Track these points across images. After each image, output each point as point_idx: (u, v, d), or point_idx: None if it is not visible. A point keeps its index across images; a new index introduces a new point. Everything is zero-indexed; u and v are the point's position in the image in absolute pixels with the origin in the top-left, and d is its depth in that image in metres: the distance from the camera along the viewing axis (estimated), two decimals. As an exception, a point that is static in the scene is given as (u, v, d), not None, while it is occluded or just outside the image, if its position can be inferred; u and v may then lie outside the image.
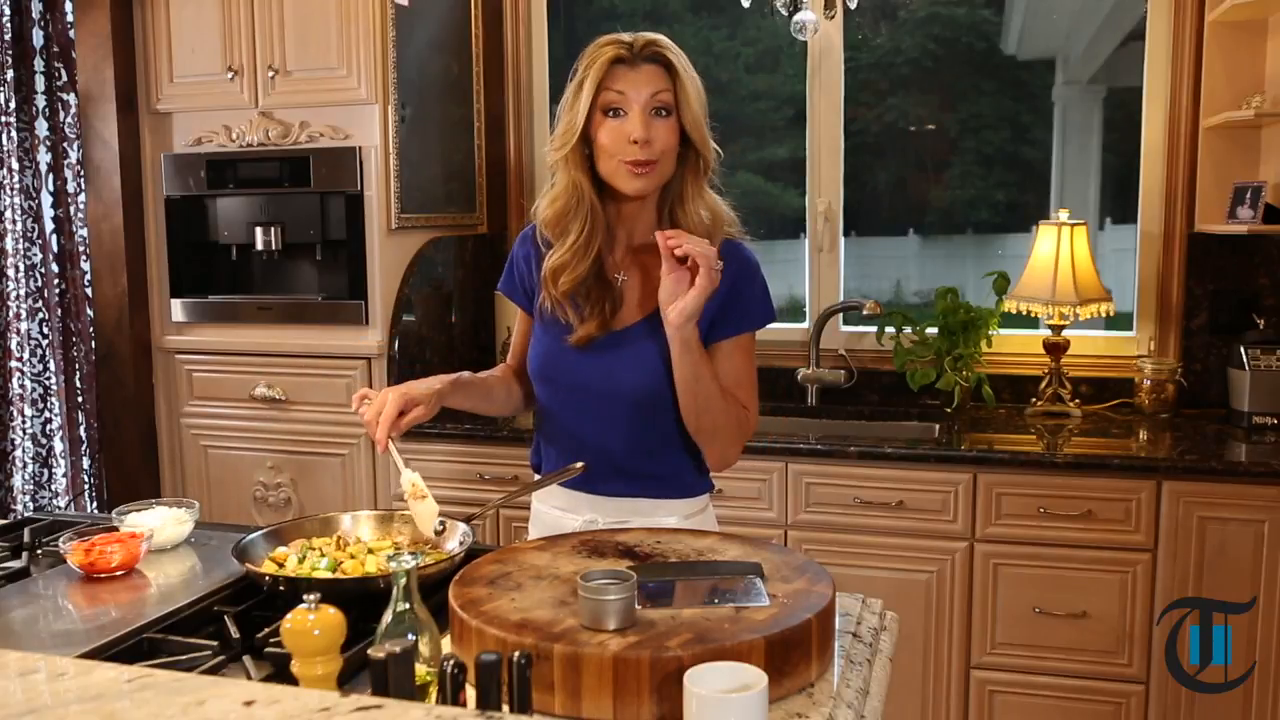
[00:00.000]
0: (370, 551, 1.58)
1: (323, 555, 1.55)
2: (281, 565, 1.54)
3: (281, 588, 1.45)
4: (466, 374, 1.77)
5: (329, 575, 1.48)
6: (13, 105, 3.25)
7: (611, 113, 1.61)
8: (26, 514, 2.35)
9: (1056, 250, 2.93)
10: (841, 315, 3.31)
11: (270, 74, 2.99)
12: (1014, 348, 3.17)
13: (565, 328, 1.69)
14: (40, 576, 1.64)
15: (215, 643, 1.36)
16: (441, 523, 1.65)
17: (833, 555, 2.63)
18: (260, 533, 1.63)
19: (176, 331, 3.23)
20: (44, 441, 3.40)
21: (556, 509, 1.76)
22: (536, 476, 1.80)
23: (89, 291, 3.34)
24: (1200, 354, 3.01)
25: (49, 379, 3.38)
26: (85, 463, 3.44)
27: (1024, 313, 3.00)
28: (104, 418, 3.33)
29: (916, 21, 3.28)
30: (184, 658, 1.32)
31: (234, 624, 1.39)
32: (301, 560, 1.54)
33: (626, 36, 1.64)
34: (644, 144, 1.59)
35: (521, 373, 1.82)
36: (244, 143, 3.06)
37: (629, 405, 1.66)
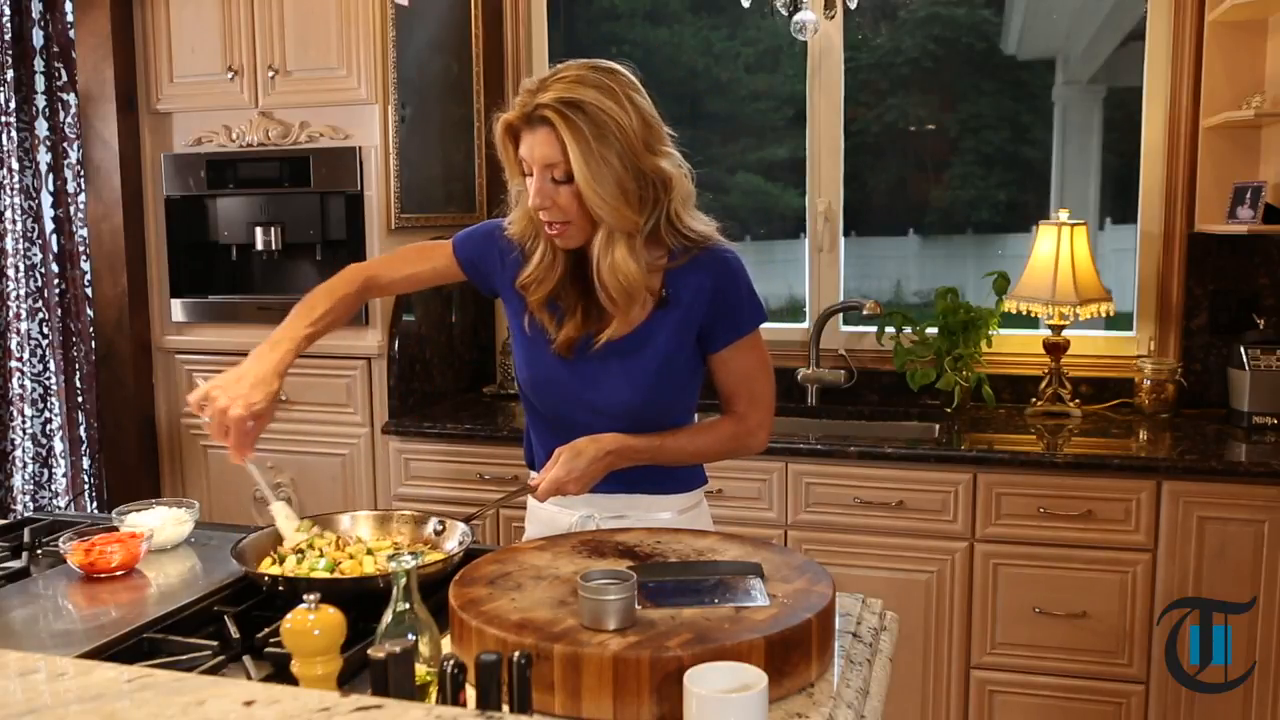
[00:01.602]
0: (370, 552, 1.58)
1: (321, 555, 1.55)
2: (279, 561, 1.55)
3: (281, 588, 1.45)
4: (307, 332, 1.67)
5: (327, 575, 1.48)
6: (13, 105, 3.25)
7: (526, 171, 1.58)
8: (26, 514, 2.35)
9: (1056, 250, 2.93)
10: (841, 315, 3.31)
11: (270, 74, 2.99)
12: (1014, 348, 3.17)
13: (540, 337, 1.68)
14: (40, 576, 1.64)
15: (215, 643, 1.36)
16: (441, 523, 1.66)
17: (833, 555, 2.63)
18: (259, 533, 1.63)
19: (176, 331, 3.23)
20: (44, 441, 3.39)
21: (552, 505, 1.76)
22: (531, 473, 1.80)
23: (89, 291, 3.34)
24: (1200, 354, 3.01)
25: (49, 379, 3.38)
26: (85, 463, 3.44)
27: (1024, 313, 3.00)
28: (104, 418, 3.33)
29: (916, 21, 3.28)
30: (184, 658, 1.32)
31: (234, 624, 1.39)
32: (300, 560, 1.54)
33: (533, 85, 1.54)
34: (541, 209, 1.55)
35: (379, 280, 1.79)
36: (244, 143, 3.06)
37: (620, 418, 1.67)
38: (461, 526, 1.63)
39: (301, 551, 1.57)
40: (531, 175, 1.55)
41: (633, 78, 1.57)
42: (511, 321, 1.76)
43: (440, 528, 1.66)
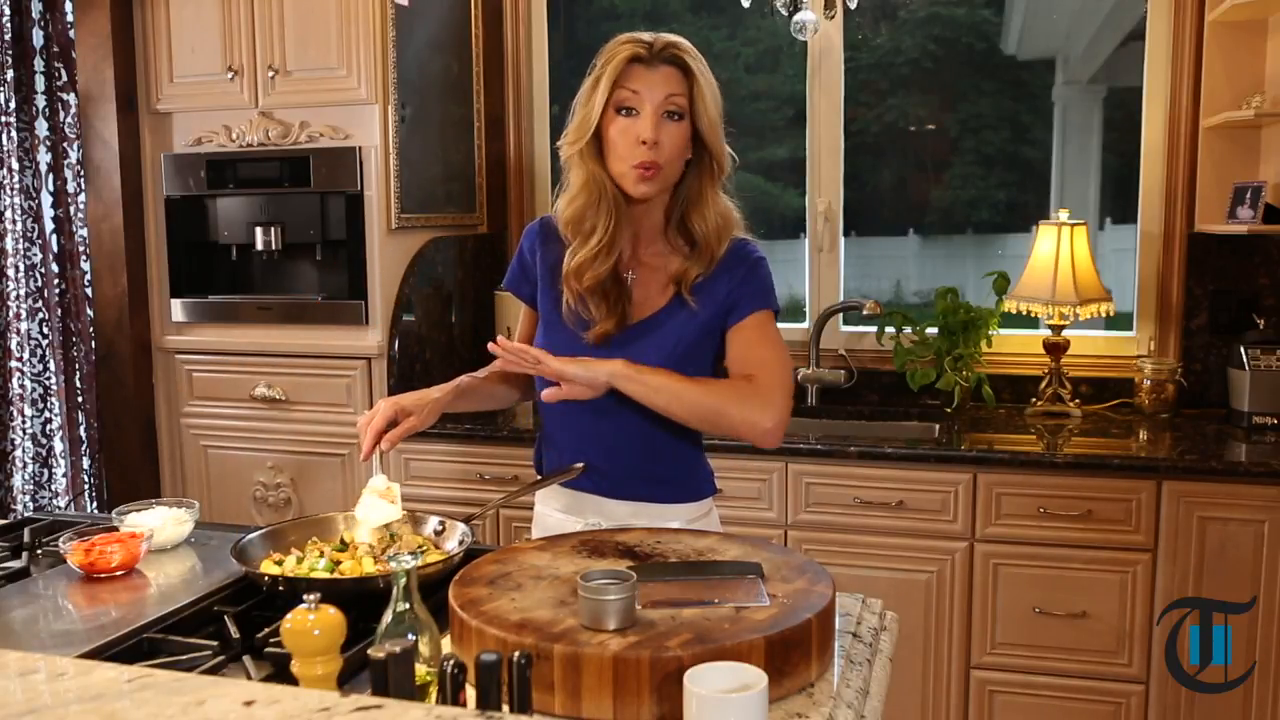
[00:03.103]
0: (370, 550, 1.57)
1: (320, 555, 1.55)
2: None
3: (281, 588, 1.45)
4: (467, 379, 1.79)
5: (327, 575, 1.48)
6: (13, 105, 3.25)
7: (624, 111, 1.62)
8: (26, 514, 2.34)
9: (1056, 250, 2.93)
10: (841, 315, 3.31)
11: (270, 74, 2.99)
12: (1014, 348, 3.17)
13: (578, 325, 1.69)
14: (40, 576, 1.64)
15: (215, 643, 1.36)
16: (441, 522, 1.66)
17: (833, 555, 2.63)
18: (259, 533, 1.63)
19: (176, 331, 3.23)
20: (44, 441, 3.39)
21: (558, 512, 1.76)
22: (538, 477, 1.80)
23: (89, 291, 3.34)
24: (1200, 354, 3.01)
25: (49, 379, 3.38)
26: (85, 463, 3.44)
27: (1024, 313, 3.00)
28: (104, 418, 3.33)
29: (916, 21, 3.28)
30: (184, 658, 1.32)
31: (234, 624, 1.39)
32: (300, 561, 1.54)
33: (646, 36, 1.64)
34: (652, 145, 1.59)
35: None
36: (244, 143, 3.06)
37: (632, 403, 1.66)
38: (461, 526, 1.63)
39: (380, 546, 1.57)
40: (631, 114, 1.61)
41: None
42: (543, 305, 1.75)
43: (440, 528, 1.66)
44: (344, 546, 1.60)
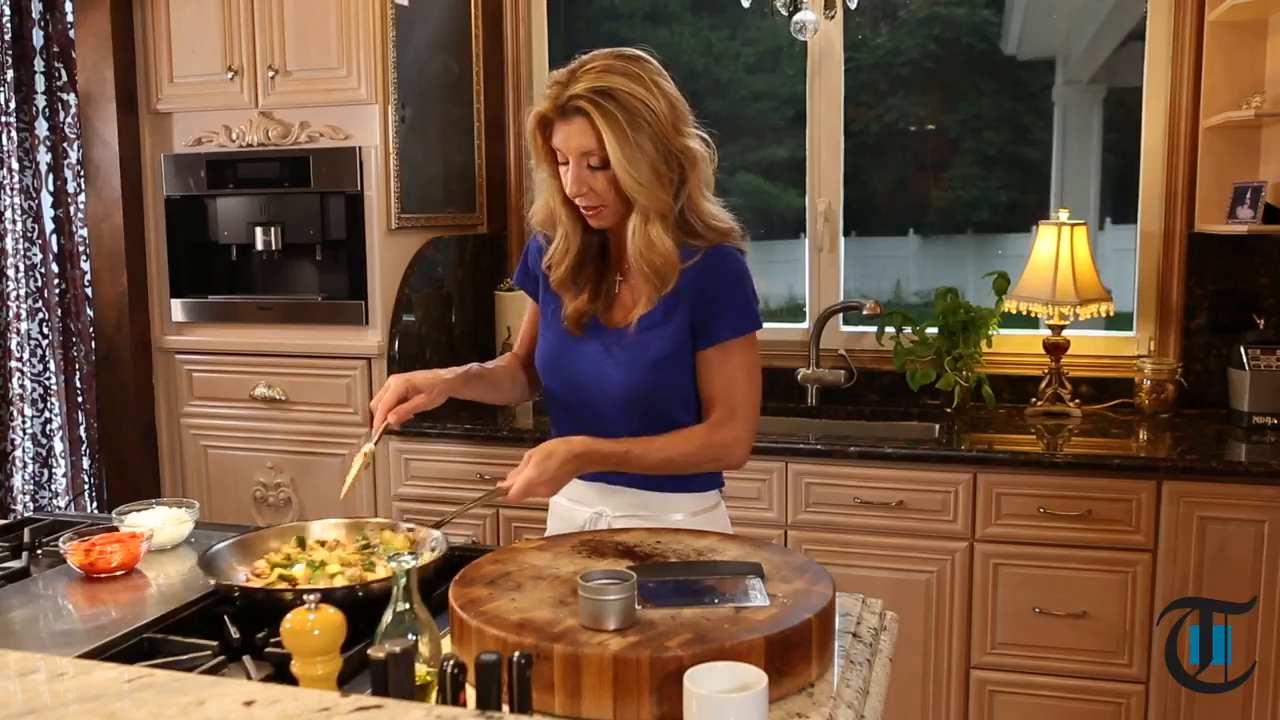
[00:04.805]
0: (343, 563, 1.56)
1: (289, 566, 1.53)
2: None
3: (259, 597, 1.43)
4: (476, 366, 1.82)
5: (288, 585, 1.45)
6: (13, 105, 3.25)
7: (561, 161, 1.63)
8: (26, 514, 2.35)
9: (1056, 250, 2.93)
10: (841, 315, 3.31)
11: (270, 74, 2.99)
12: (1014, 348, 3.17)
13: (564, 313, 1.74)
14: (40, 576, 1.65)
15: (215, 643, 1.36)
16: (412, 529, 1.65)
17: (833, 555, 2.63)
18: (226, 543, 1.59)
19: (176, 331, 3.23)
20: (44, 441, 3.39)
21: (567, 500, 1.79)
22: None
23: (89, 291, 3.34)
24: (1200, 354, 3.01)
25: (49, 379, 3.38)
26: (85, 463, 3.44)
27: (1024, 313, 3.00)
28: (104, 418, 3.33)
29: (916, 22, 3.28)
30: (184, 658, 1.32)
31: (234, 624, 1.39)
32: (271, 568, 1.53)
33: (562, 77, 1.60)
34: (582, 194, 1.61)
35: (528, 362, 1.88)
36: (244, 143, 3.06)
37: (621, 403, 1.68)
38: (434, 534, 1.61)
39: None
40: (566, 164, 1.61)
41: (656, 63, 1.64)
42: (543, 309, 1.80)
43: (413, 531, 1.65)
44: (311, 560, 1.57)
